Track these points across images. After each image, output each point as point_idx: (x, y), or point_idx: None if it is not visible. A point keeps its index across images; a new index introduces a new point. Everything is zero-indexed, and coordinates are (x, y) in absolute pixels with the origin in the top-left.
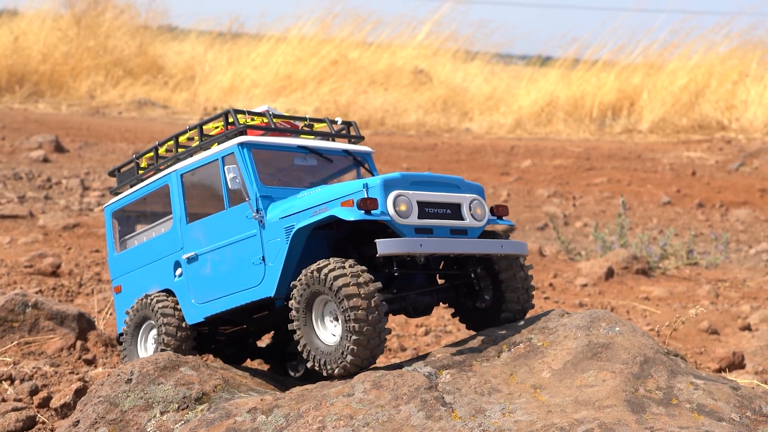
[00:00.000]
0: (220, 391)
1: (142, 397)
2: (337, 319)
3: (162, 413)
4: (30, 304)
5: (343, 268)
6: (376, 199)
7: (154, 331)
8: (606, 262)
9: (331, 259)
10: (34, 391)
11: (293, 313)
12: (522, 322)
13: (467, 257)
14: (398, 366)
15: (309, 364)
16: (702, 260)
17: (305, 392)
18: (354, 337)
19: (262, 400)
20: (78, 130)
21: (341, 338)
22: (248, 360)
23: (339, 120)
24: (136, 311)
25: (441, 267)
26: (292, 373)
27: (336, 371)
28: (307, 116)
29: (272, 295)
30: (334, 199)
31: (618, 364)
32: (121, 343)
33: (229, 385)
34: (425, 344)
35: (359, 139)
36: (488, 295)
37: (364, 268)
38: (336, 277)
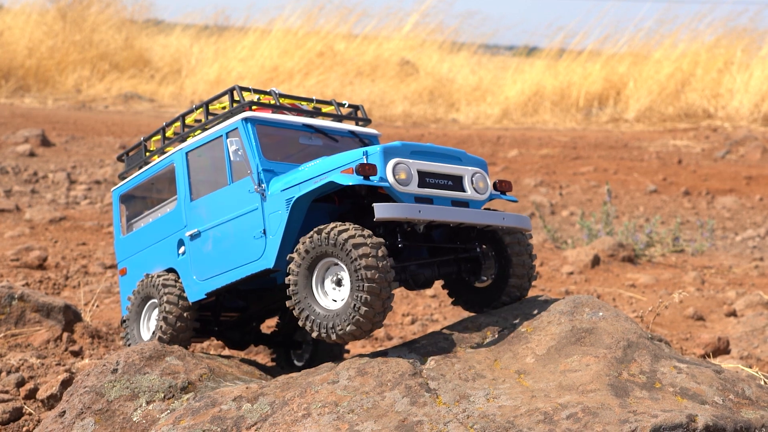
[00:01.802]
0: (206, 380)
1: (128, 387)
2: (338, 284)
3: (148, 403)
4: (16, 296)
5: (363, 237)
6: (375, 165)
7: (157, 311)
8: (592, 250)
9: (348, 224)
10: (20, 383)
11: (293, 267)
12: (506, 308)
13: (470, 233)
14: (383, 353)
15: (300, 323)
16: (688, 247)
17: (290, 380)
18: (364, 309)
19: (247, 388)
20: (64, 124)
21: (346, 306)
22: (252, 345)
23: (346, 103)
24: (143, 287)
25: (444, 242)
26: (296, 362)
27: (333, 337)
28: (314, 98)
29: (271, 266)
30: (335, 168)
31: (601, 349)
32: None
33: (214, 374)
34: (411, 333)
35: (366, 122)
36: (490, 275)
37: (382, 240)
38: (357, 245)
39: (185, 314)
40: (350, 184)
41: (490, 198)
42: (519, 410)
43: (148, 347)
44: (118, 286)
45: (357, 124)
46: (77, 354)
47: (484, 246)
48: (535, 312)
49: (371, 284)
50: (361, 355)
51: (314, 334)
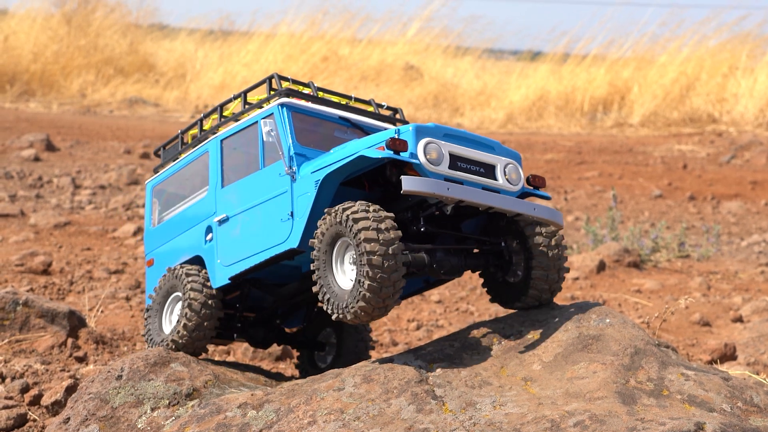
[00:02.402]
0: (211, 387)
1: (132, 394)
2: (355, 263)
3: (153, 409)
4: (20, 302)
5: (367, 211)
6: (405, 140)
7: (180, 304)
8: (597, 255)
9: (359, 202)
10: (24, 389)
11: (314, 251)
12: (512, 315)
13: (499, 225)
14: (389, 360)
15: (322, 305)
16: (693, 252)
17: (296, 387)
18: (367, 283)
19: (252, 395)
20: (69, 128)
21: (354, 284)
22: (275, 345)
23: (385, 105)
24: (166, 280)
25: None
26: (320, 364)
27: (348, 316)
28: (352, 95)
29: (296, 246)
30: (366, 148)
31: (608, 356)
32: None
33: (219, 380)
34: (417, 339)
35: (404, 124)
36: (520, 270)
37: (390, 214)
38: (357, 220)
39: (210, 302)
40: (380, 157)
41: (522, 191)
42: (526, 418)
43: (153, 353)
44: (122, 292)
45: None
46: (82, 360)
47: (513, 242)
48: (542, 318)
49: (371, 257)
50: (366, 362)
51: (333, 316)
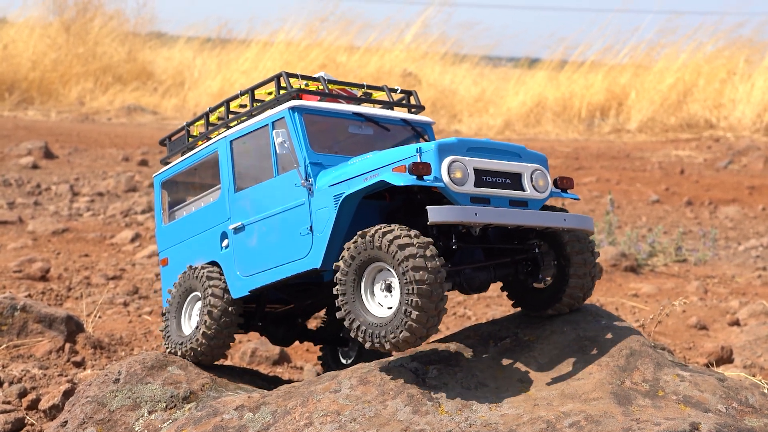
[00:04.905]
0: (208, 390)
1: (129, 397)
2: (388, 290)
3: (150, 412)
4: (18, 307)
5: (410, 237)
6: (429, 164)
7: (199, 305)
8: None
9: (394, 225)
10: (22, 394)
11: (339, 276)
12: (509, 318)
13: (528, 231)
14: (385, 362)
15: (352, 334)
16: (690, 257)
17: (292, 389)
18: (415, 313)
19: (249, 397)
20: (67, 136)
21: (397, 311)
22: (297, 342)
23: (398, 89)
24: (185, 279)
25: (501, 241)
26: (343, 360)
27: (387, 346)
28: (364, 84)
29: (318, 266)
30: (386, 165)
31: (604, 357)
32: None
33: (216, 383)
34: None
35: (420, 109)
36: (550, 275)
37: (430, 240)
38: (403, 246)
39: (230, 309)
40: (403, 184)
41: (551, 195)
42: (521, 419)
43: (150, 357)
44: (119, 297)
45: (410, 111)
46: (79, 365)
47: (542, 245)
48: (538, 321)
49: (421, 286)
50: (363, 364)
51: (367, 345)
